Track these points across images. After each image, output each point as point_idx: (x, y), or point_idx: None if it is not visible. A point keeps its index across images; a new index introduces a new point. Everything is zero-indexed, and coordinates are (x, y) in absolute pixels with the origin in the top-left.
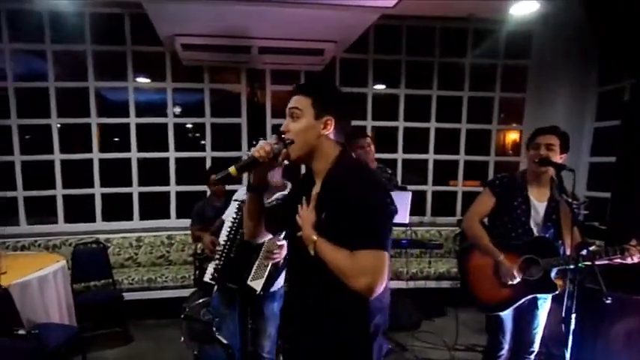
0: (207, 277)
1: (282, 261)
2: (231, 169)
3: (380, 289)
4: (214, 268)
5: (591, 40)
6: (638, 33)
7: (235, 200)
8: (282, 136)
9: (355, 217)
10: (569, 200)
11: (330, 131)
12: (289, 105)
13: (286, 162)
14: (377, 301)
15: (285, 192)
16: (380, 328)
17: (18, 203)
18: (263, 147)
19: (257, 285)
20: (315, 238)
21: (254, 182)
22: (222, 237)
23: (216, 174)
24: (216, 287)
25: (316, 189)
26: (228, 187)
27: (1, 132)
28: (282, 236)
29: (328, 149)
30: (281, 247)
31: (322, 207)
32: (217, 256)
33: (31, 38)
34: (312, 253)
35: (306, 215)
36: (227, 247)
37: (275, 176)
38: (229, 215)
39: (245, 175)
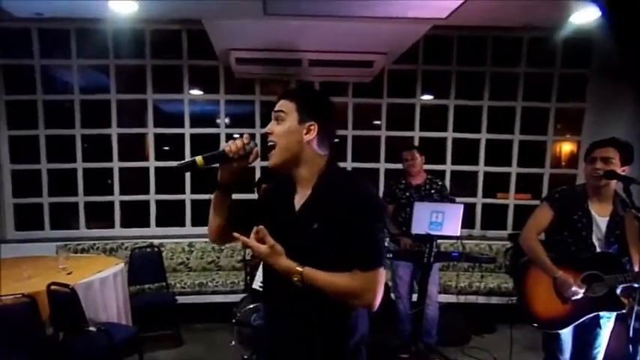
0: (256, 285)
1: None
2: (198, 158)
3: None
4: None
5: None
6: None
7: None
8: (268, 139)
9: (355, 235)
10: (639, 215)
11: (312, 137)
12: (275, 108)
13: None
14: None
15: None
16: (364, 338)
17: (79, 208)
18: (235, 142)
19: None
20: (299, 269)
21: (221, 179)
22: None
23: (179, 163)
24: None
25: (301, 197)
26: None
27: (65, 141)
28: None
29: (313, 157)
30: None
31: (313, 217)
32: None
33: (96, 54)
34: (298, 284)
35: (272, 249)
36: None
37: None
38: None
39: None
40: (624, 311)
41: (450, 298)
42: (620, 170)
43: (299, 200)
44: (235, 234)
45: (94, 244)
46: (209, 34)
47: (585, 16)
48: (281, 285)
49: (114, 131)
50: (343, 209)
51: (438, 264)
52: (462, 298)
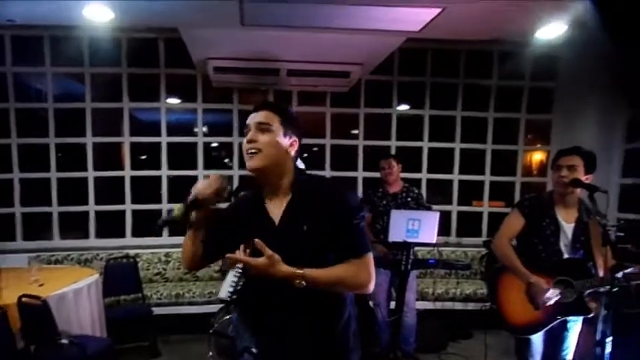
0: (223, 294)
1: None
2: (176, 213)
3: None
4: (236, 286)
5: (619, 62)
6: None
7: None
8: (250, 146)
9: (343, 230)
10: (602, 222)
11: (294, 150)
12: (256, 119)
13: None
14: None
15: None
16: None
17: (52, 218)
18: (210, 185)
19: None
20: (300, 272)
21: (198, 222)
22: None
23: (160, 221)
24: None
25: (276, 206)
26: None
27: (39, 150)
28: None
29: (291, 168)
30: None
31: (300, 220)
32: (239, 274)
33: (71, 62)
34: (301, 286)
35: (269, 260)
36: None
37: None
38: None
39: None
40: (591, 315)
41: (427, 305)
42: (584, 178)
43: (275, 209)
44: (229, 255)
45: (69, 255)
46: (186, 43)
47: (551, 32)
48: (275, 289)
49: (89, 140)
50: (329, 209)
51: (416, 271)
52: (439, 305)
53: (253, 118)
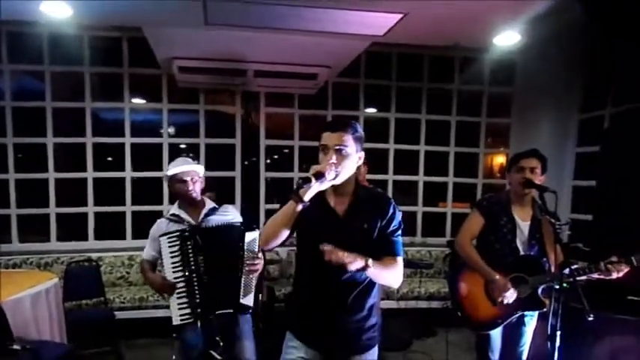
0: (177, 321)
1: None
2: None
3: None
4: (189, 305)
5: (574, 69)
6: (624, 63)
7: (162, 236)
8: (333, 170)
9: (392, 231)
10: (552, 220)
11: (361, 163)
12: (334, 142)
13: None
14: None
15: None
16: None
17: (11, 221)
18: (325, 166)
19: (249, 301)
20: (370, 263)
21: (304, 195)
22: (172, 274)
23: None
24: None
25: (338, 204)
26: None
27: None
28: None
29: (354, 176)
30: (259, 257)
31: (360, 219)
32: (183, 293)
33: (30, 59)
34: (368, 273)
35: (349, 256)
36: (192, 279)
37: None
38: (166, 252)
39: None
40: (545, 309)
41: (392, 305)
42: (539, 179)
43: (338, 205)
44: (327, 246)
45: (28, 259)
46: (150, 42)
47: (507, 39)
48: (327, 280)
49: (49, 140)
50: (386, 215)
51: None
52: (404, 304)
53: (331, 140)
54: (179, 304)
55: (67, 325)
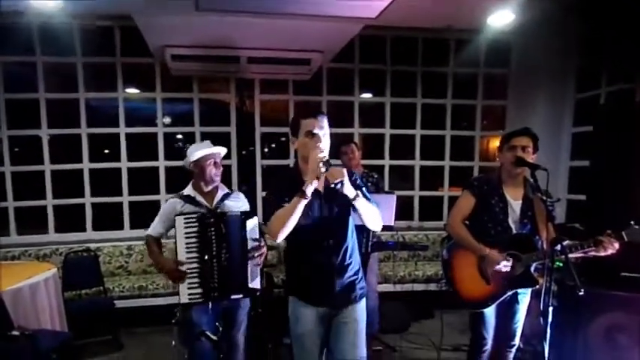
0: (186, 299)
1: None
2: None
3: None
4: (202, 286)
5: (570, 48)
6: (621, 41)
7: (178, 216)
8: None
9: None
10: (544, 198)
11: None
12: (322, 127)
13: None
14: None
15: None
16: None
17: (9, 213)
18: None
19: (257, 284)
20: (359, 193)
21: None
22: (185, 254)
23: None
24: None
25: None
26: None
27: None
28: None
29: None
30: (262, 246)
31: (339, 195)
32: (196, 274)
33: (22, 50)
34: (357, 203)
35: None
36: (211, 262)
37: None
38: (182, 233)
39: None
40: (538, 287)
41: (389, 287)
42: (531, 157)
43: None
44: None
45: (26, 251)
46: (141, 31)
47: (501, 19)
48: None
49: (44, 132)
50: (354, 181)
51: (377, 254)
52: (400, 287)
53: (319, 126)
54: (190, 283)
55: (67, 314)
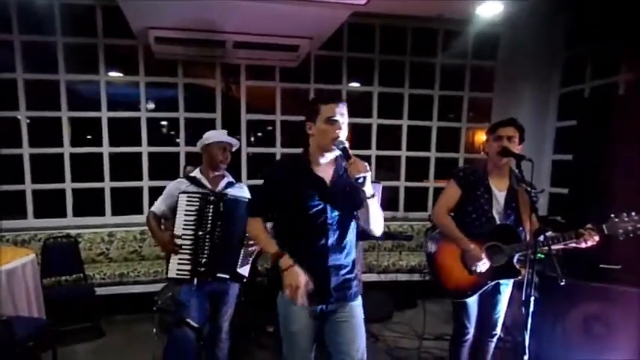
0: (173, 274)
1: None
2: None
3: None
4: (191, 262)
5: (556, 41)
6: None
7: (182, 193)
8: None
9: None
10: (528, 189)
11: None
12: (344, 114)
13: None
14: None
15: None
16: None
17: None
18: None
19: (245, 271)
20: (375, 192)
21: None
22: (182, 230)
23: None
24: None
25: (327, 170)
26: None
27: None
28: None
29: None
30: None
31: (343, 182)
32: (188, 250)
33: None
34: (370, 202)
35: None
36: (204, 239)
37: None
38: (182, 209)
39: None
40: (520, 278)
41: (373, 277)
42: (517, 148)
43: (321, 173)
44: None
45: (4, 236)
46: (124, 11)
47: (490, 9)
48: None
49: (22, 114)
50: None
51: (362, 243)
52: (384, 277)
53: (340, 112)
54: (180, 259)
55: (47, 301)
